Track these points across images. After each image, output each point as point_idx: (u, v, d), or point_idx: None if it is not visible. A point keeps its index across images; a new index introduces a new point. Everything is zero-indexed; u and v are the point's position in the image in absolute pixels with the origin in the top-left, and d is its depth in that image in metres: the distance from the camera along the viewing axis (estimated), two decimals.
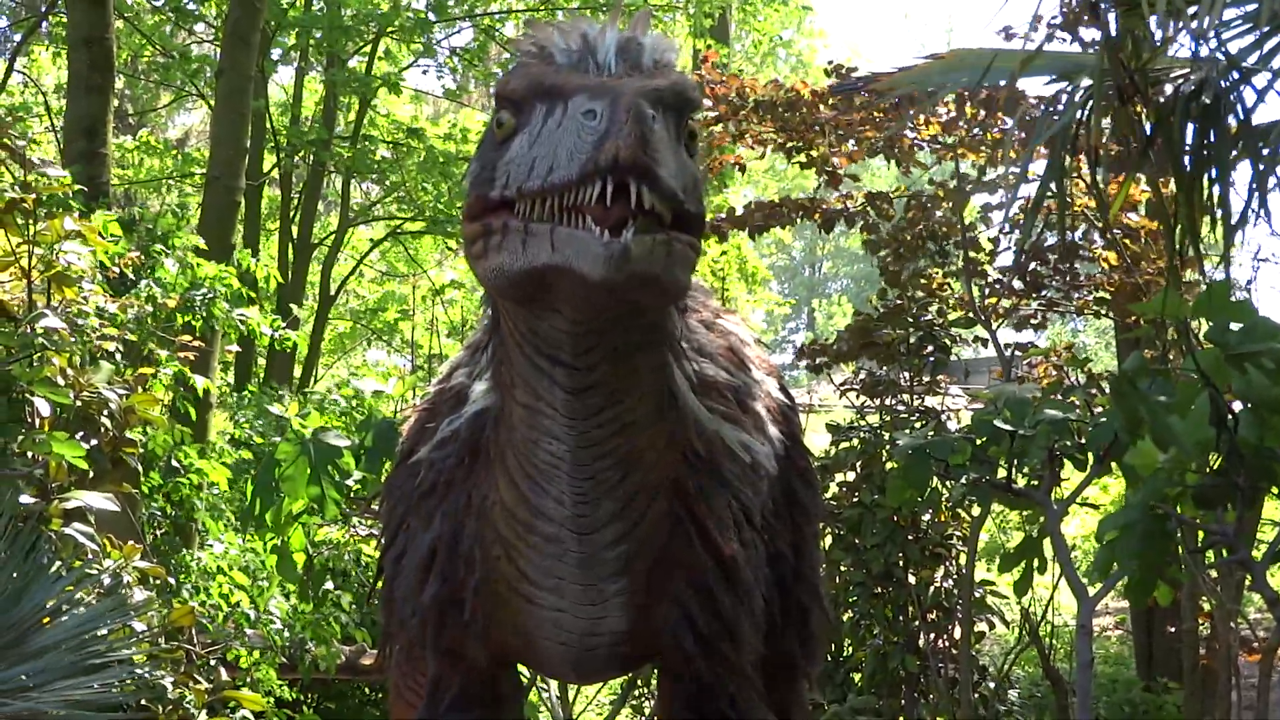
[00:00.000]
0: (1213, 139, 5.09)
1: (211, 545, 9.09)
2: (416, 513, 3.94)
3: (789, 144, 11.35)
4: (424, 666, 4.24)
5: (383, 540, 4.35)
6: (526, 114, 3.02)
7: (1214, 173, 5.14)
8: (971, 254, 11.13)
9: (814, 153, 11.37)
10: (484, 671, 4.01)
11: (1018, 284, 11.25)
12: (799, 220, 11.88)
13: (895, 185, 12.12)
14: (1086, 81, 5.24)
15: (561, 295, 2.91)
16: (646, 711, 12.40)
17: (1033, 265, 11.07)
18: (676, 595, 3.72)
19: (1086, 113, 5.21)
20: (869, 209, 11.65)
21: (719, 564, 3.71)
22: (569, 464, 3.37)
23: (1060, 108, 5.60)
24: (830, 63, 12.04)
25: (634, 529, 3.53)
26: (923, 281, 11.45)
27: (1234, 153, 5.08)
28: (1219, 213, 5.15)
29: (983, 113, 10.63)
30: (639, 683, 11.18)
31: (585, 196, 2.79)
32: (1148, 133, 5.35)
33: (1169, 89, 5.32)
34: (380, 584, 4.37)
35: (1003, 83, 6.03)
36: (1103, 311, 11.44)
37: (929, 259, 11.34)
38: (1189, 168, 5.18)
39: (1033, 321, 11.54)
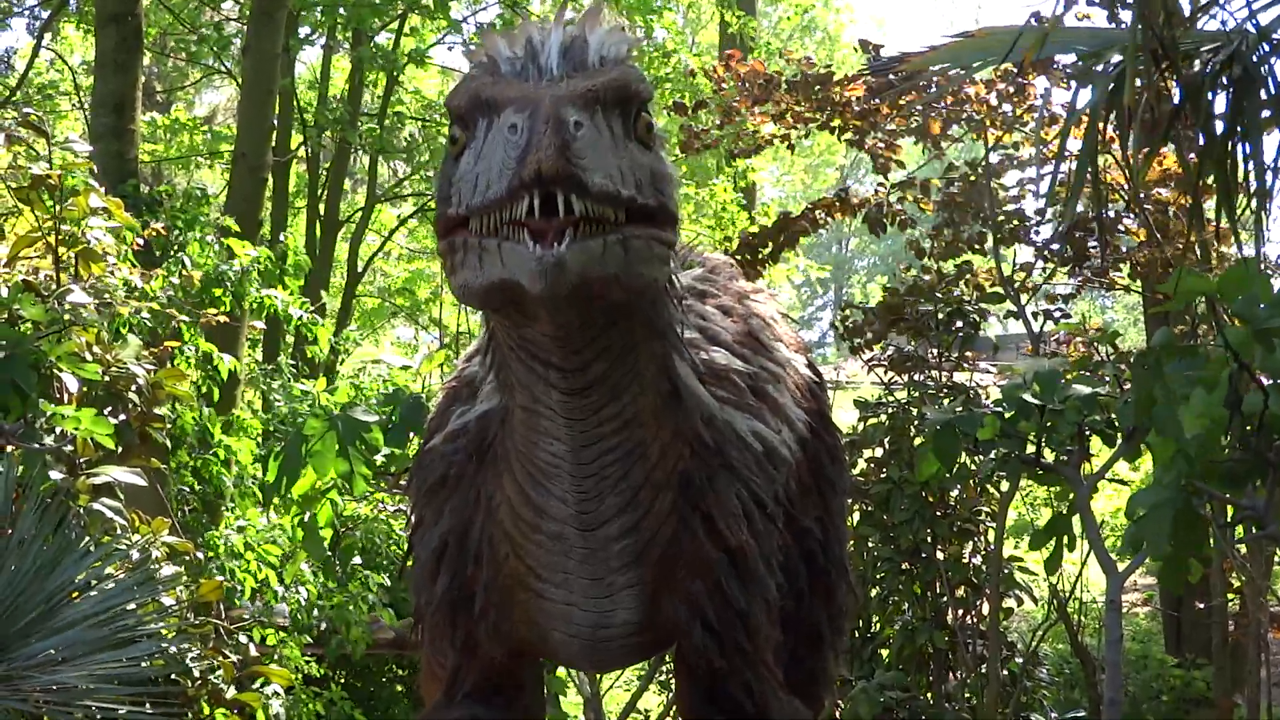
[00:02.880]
0: (1244, 111, 5.07)
1: (238, 523, 9.10)
2: (428, 504, 3.93)
3: (832, 122, 11.29)
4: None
5: (411, 518, 4.34)
6: (472, 129, 3.00)
7: (1245, 146, 5.12)
8: (1006, 229, 11.11)
9: (851, 135, 11.33)
10: (500, 663, 4.00)
11: (1049, 254, 11.22)
12: (834, 219, 11.85)
13: (920, 165, 12.07)
14: (1117, 57, 5.21)
15: (529, 306, 2.90)
16: (674, 688, 12.40)
17: (1078, 234, 11.03)
18: (686, 587, 3.70)
19: (1116, 87, 5.18)
20: (905, 197, 11.62)
21: (728, 555, 3.68)
22: (570, 463, 3.36)
23: (1092, 83, 5.57)
24: (859, 41, 11.99)
25: (640, 522, 3.52)
26: (954, 262, 11.43)
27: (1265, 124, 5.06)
28: (1251, 185, 5.12)
29: (1013, 91, 10.59)
30: (666, 658, 11.19)
31: (518, 211, 2.78)
32: (1178, 106, 5.32)
33: (1200, 62, 5.29)
34: (410, 562, 4.37)
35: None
36: (1132, 286, 11.40)
37: (973, 238, 11.31)
38: (1220, 140, 5.16)
39: (1064, 295, 11.52)
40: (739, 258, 11.68)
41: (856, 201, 11.71)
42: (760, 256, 11.79)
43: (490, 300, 3.02)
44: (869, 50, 11.30)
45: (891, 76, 10.02)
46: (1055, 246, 11.28)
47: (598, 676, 11.58)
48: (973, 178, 11.41)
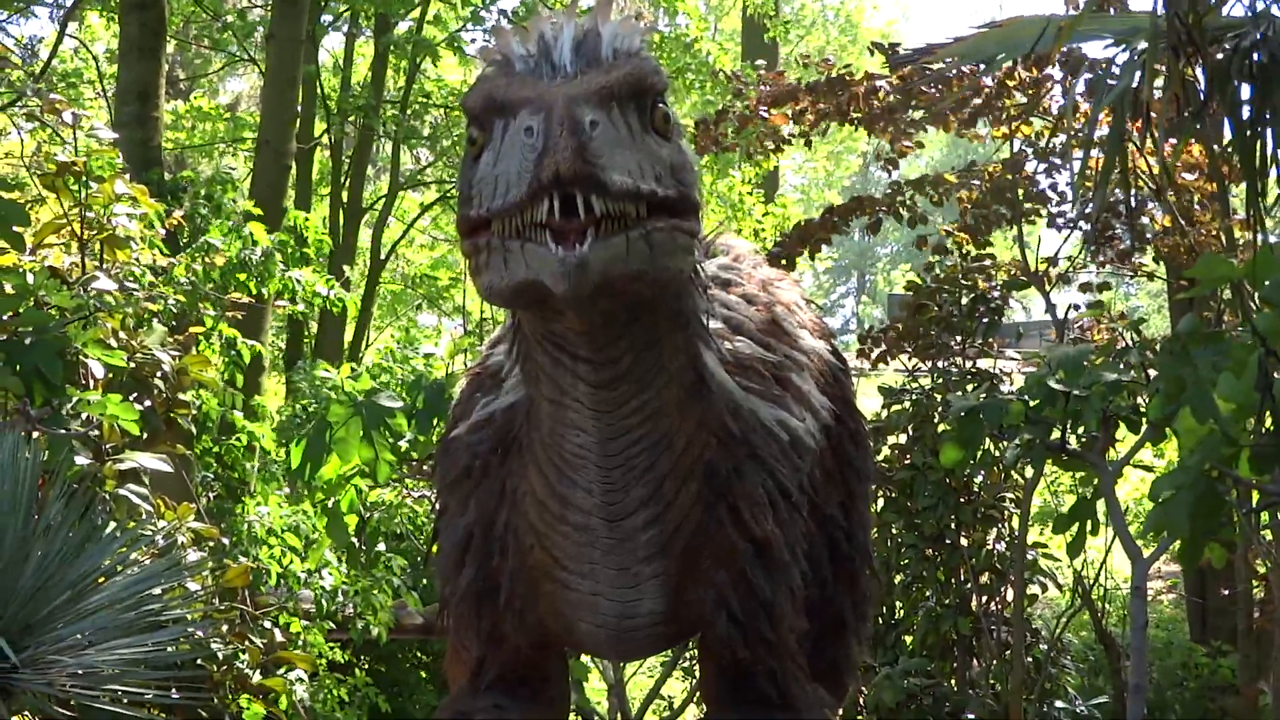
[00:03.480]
0: (1270, 98, 5.06)
1: (261, 508, 9.12)
2: (452, 494, 3.93)
3: (852, 114, 11.29)
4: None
5: (436, 504, 4.34)
6: (489, 130, 3.00)
7: (1271, 133, 5.11)
8: (1034, 216, 11.11)
9: (870, 132, 11.34)
10: (526, 652, 4.00)
11: (1086, 234, 11.21)
12: (851, 223, 11.85)
13: (947, 152, 12.05)
14: (1144, 44, 5.20)
15: (556, 305, 2.91)
16: (698, 674, 12.41)
17: (1104, 219, 11.03)
18: (711, 577, 3.69)
19: (1142, 74, 5.18)
20: (920, 195, 11.62)
21: (753, 545, 3.68)
22: (596, 455, 3.35)
23: (1117, 70, 5.56)
24: (872, 44, 11.96)
25: (665, 512, 3.50)
26: (976, 251, 11.44)
27: None
28: (1276, 172, 5.11)
29: (1035, 81, 10.59)
30: (690, 646, 11.20)
31: (538, 214, 2.78)
32: (1204, 92, 5.31)
33: (1225, 48, 5.28)
34: (436, 548, 4.37)
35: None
36: (1157, 273, 11.38)
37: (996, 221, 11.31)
38: (1246, 127, 5.15)
39: (1097, 283, 11.53)
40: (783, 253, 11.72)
41: (870, 204, 11.70)
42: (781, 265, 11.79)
43: (516, 301, 3.05)
44: (885, 52, 11.27)
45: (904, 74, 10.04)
46: (1083, 228, 11.27)
47: (621, 664, 11.60)
48: (994, 170, 11.41)
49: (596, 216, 2.77)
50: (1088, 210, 10.84)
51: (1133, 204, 10.89)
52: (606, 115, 2.86)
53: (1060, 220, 11.46)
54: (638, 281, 2.91)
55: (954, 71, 9.83)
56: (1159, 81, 5.67)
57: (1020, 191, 11.16)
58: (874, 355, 11.82)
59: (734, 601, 3.70)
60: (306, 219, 11.08)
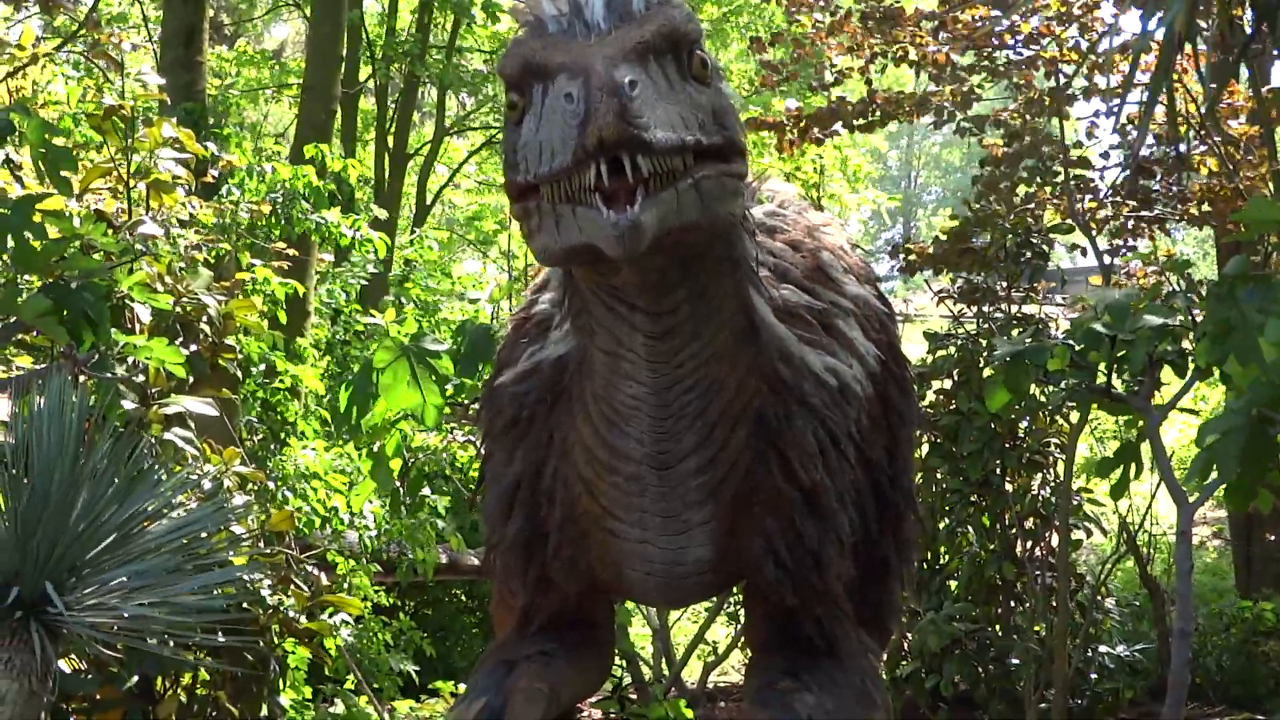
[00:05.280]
0: None
1: (308, 450, 9.15)
2: (499, 444, 3.93)
3: (893, 48, 11.22)
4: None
5: (482, 449, 4.34)
6: (528, 94, 3.01)
7: None
8: (1074, 166, 11.05)
9: (914, 55, 11.24)
10: (574, 598, 4.02)
11: (1125, 198, 11.15)
12: (901, 119, 11.74)
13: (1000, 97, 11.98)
14: None
15: (607, 259, 2.91)
16: (742, 620, 12.43)
17: (1141, 181, 10.97)
18: (759, 524, 3.70)
19: (1190, 13, 5.12)
20: (973, 125, 11.54)
21: (802, 493, 3.68)
22: (651, 404, 3.37)
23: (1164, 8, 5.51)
24: None
25: (715, 459, 3.51)
26: (1021, 190, 11.39)
27: None
28: None
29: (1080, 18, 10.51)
30: (735, 590, 11.22)
31: (587, 180, 2.79)
32: (1249, 32, 5.26)
33: None
34: (481, 495, 4.38)
35: None
36: (1202, 218, 11.31)
37: (1032, 173, 11.26)
38: None
39: (1130, 229, 11.46)
40: (790, 131, 11.66)
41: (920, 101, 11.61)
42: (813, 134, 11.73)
43: (572, 260, 3.08)
44: None
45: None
46: (1117, 192, 11.22)
47: (666, 610, 11.63)
48: (1039, 113, 11.34)
49: (644, 176, 2.78)
50: (1133, 165, 10.78)
51: (1180, 154, 10.82)
52: (644, 71, 2.87)
53: (1102, 174, 11.41)
54: (692, 231, 2.95)
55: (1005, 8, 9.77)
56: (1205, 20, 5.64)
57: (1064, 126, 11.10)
58: (909, 261, 11.78)
59: (782, 549, 3.72)
60: (345, 161, 11.07)
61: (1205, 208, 11.07)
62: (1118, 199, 11.23)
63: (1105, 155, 11.49)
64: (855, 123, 11.63)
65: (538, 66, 2.96)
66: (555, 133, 2.83)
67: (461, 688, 11.04)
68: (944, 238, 11.59)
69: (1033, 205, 11.34)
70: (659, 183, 2.82)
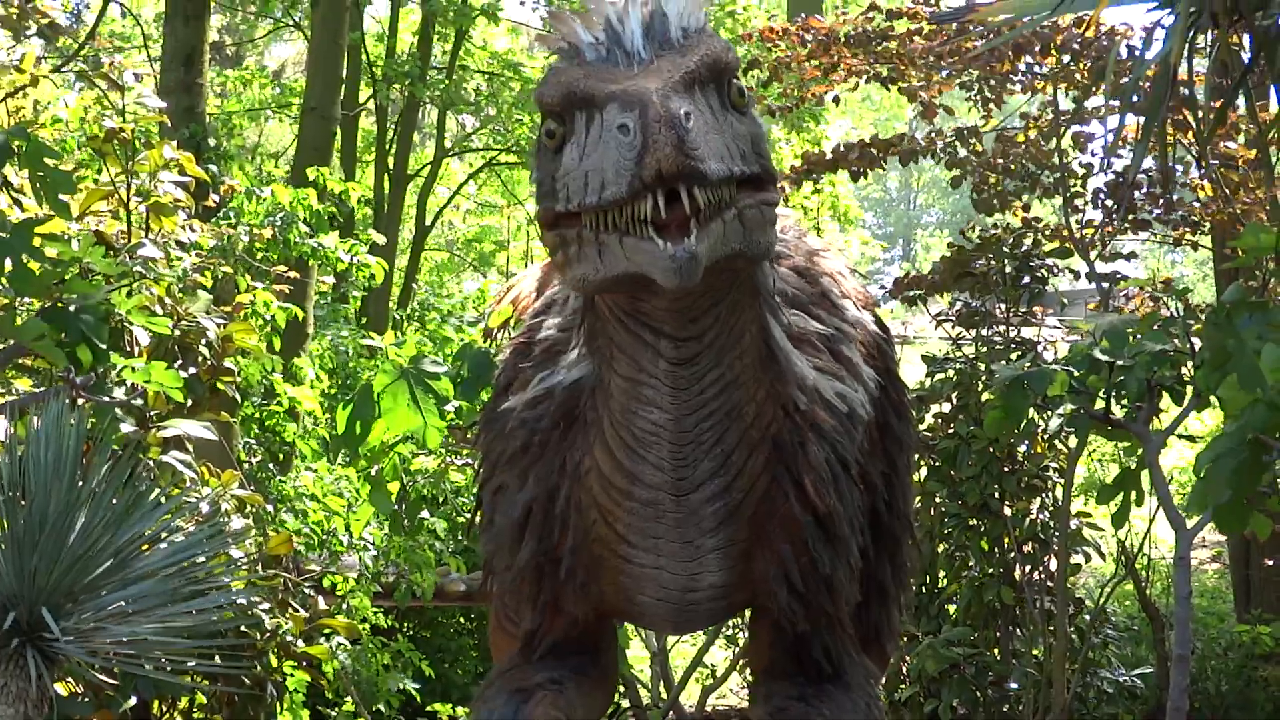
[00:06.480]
0: None
1: (308, 471, 9.15)
2: (509, 470, 3.91)
3: (885, 74, 11.22)
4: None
5: (480, 472, 4.34)
6: (569, 123, 3.01)
7: None
8: (1068, 184, 11.06)
9: (906, 82, 11.25)
10: (581, 623, 4.01)
11: (1109, 206, 11.17)
12: (886, 160, 11.77)
13: (983, 119, 11.98)
14: (1190, 9, 5.16)
15: (653, 288, 2.92)
16: (740, 642, 12.42)
17: (1131, 193, 10.98)
18: (774, 550, 3.70)
19: (1188, 40, 5.14)
20: (956, 143, 11.55)
21: (815, 518, 3.69)
22: (671, 431, 3.36)
23: (1162, 34, 5.52)
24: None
25: (732, 484, 3.51)
26: (1020, 212, 11.41)
27: None
28: None
29: (1075, 43, 10.51)
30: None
31: (640, 211, 2.80)
32: (1248, 58, 5.27)
33: (1273, 13, 5.24)
34: (479, 515, 4.38)
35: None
36: (1200, 242, 11.33)
37: (1019, 186, 11.27)
38: None
39: (1125, 253, 11.49)
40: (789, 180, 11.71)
41: (911, 143, 11.63)
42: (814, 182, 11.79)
43: (611, 289, 3.08)
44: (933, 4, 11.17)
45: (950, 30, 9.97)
46: (1105, 198, 11.24)
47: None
48: (1032, 131, 11.37)
49: (700, 207, 2.80)
50: (1124, 181, 10.80)
51: (1174, 171, 10.83)
52: (694, 103, 2.87)
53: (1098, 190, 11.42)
54: (736, 259, 2.98)
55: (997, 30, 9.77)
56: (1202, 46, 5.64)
57: (1056, 159, 11.11)
58: (912, 294, 11.80)
59: (795, 574, 3.72)
60: (344, 184, 11.07)
61: (1203, 231, 11.09)
62: (1104, 209, 11.25)
63: (1089, 167, 11.49)
64: (853, 167, 11.68)
65: (583, 95, 2.96)
66: (607, 163, 2.83)
67: (460, 710, 11.09)
68: (944, 258, 11.62)
69: (1031, 230, 11.35)
70: (709, 213, 2.83)
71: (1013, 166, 11.25)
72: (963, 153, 11.56)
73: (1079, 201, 11.34)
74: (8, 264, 5.36)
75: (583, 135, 2.95)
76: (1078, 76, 10.71)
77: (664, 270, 2.80)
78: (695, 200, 2.78)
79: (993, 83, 11.06)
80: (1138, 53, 6.78)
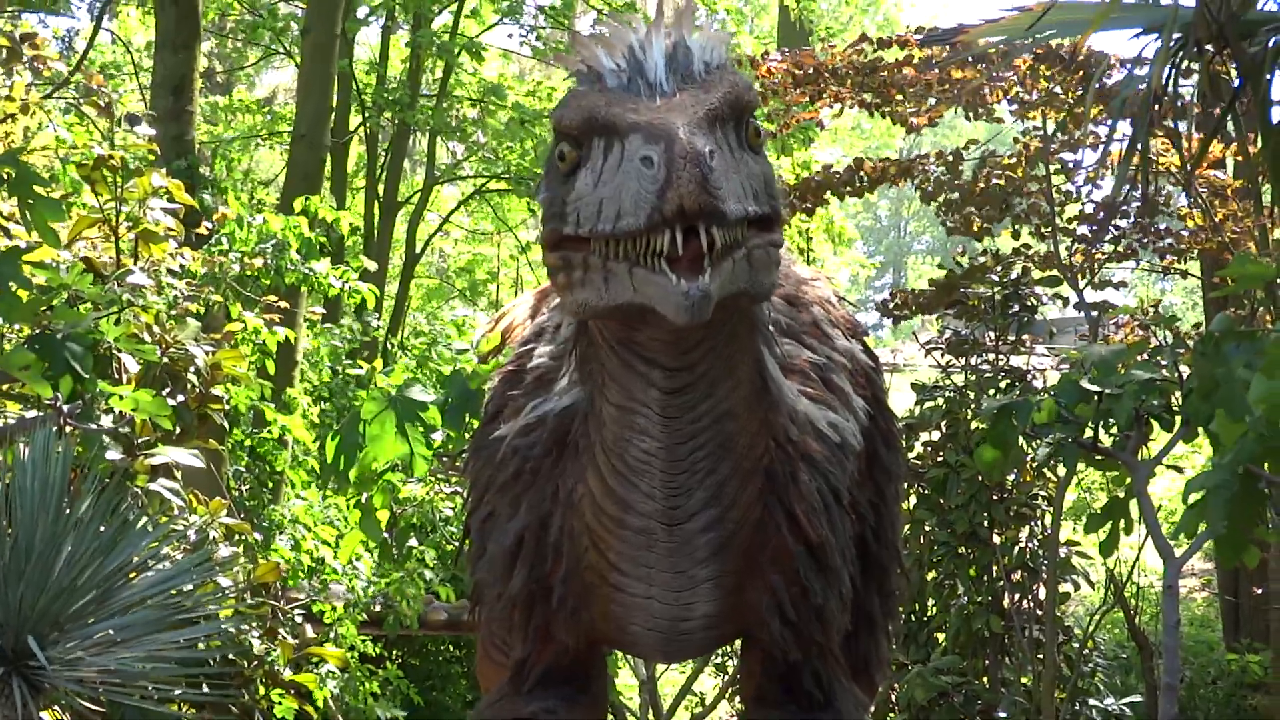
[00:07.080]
0: None
1: (296, 500, 9.15)
2: (501, 498, 3.90)
3: (870, 100, 11.24)
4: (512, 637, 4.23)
5: (468, 501, 4.33)
6: (586, 148, 2.99)
7: None
8: (1056, 211, 11.08)
9: (893, 108, 11.28)
10: (572, 652, 4.00)
11: (1091, 234, 11.20)
12: (873, 189, 11.82)
13: (967, 143, 12.02)
14: (1175, 35, 5.18)
15: (654, 319, 2.90)
16: (729, 670, 12.41)
17: (1115, 220, 11.01)
18: (766, 580, 3.70)
19: (1174, 67, 5.15)
20: (931, 166, 11.60)
21: (808, 548, 3.68)
22: (662, 460, 3.35)
23: (1147, 62, 5.53)
24: (909, 27, 11.90)
25: (725, 515, 3.50)
26: (1011, 242, 11.45)
27: None
28: None
29: (1061, 69, 10.54)
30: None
31: (656, 244, 2.79)
32: (1235, 87, 5.28)
33: (1258, 43, 5.25)
34: (468, 544, 4.36)
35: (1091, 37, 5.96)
36: (1188, 270, 11.36)
37: (991, 214, 11.31)
38: (1276, 133, 5.12)
39: (1114, 282, 11.52)
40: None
41: (895, 166, 11.68)
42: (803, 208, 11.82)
43: (611, 317, 3.06)
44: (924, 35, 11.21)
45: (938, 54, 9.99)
46: (1090, 227, 11.28)
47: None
48: (1022, 152, 11.41)
49: (716, 245, 2.78)
50: (1109, 206, 10.83)
51: (1157, 198, 10.87)
52: (715, 141, 2.87)
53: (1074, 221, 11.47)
54: (740, 298, 2.96)
55: (984, 55, 9.78)
56: (1189, 74, 5.66)
57: (1045, 185, 11.14)
58: (896, 311, 11.86)
59: (788, 605, 3.72)
60: (336, 213, 11.08)
61: (1191, 258, 11.12)
62: (1088, 237, 11.28)
63: (1069, 194, 11.53)
64: (844, 190, 11.70)
65: (604, 122, 2.95)
66: (625, 193, 2.82)
67: None
68: (933, 282, 11.65)
69: (1017, 258, 11.39)
70: (722, 252, 2.82)
71: (991, 192, 11.28)
72: (938, 171, 11.61)
73: (1069, 229, 11.36)
74: None
75: (599, 162, 2.93)
76: (1063, 97, 10.73)
77: (675, 306, 2.78)
78: (713, 238, 2.77)
79: (979, 107, 11.08)
80: (1124, 78, 6.77)
